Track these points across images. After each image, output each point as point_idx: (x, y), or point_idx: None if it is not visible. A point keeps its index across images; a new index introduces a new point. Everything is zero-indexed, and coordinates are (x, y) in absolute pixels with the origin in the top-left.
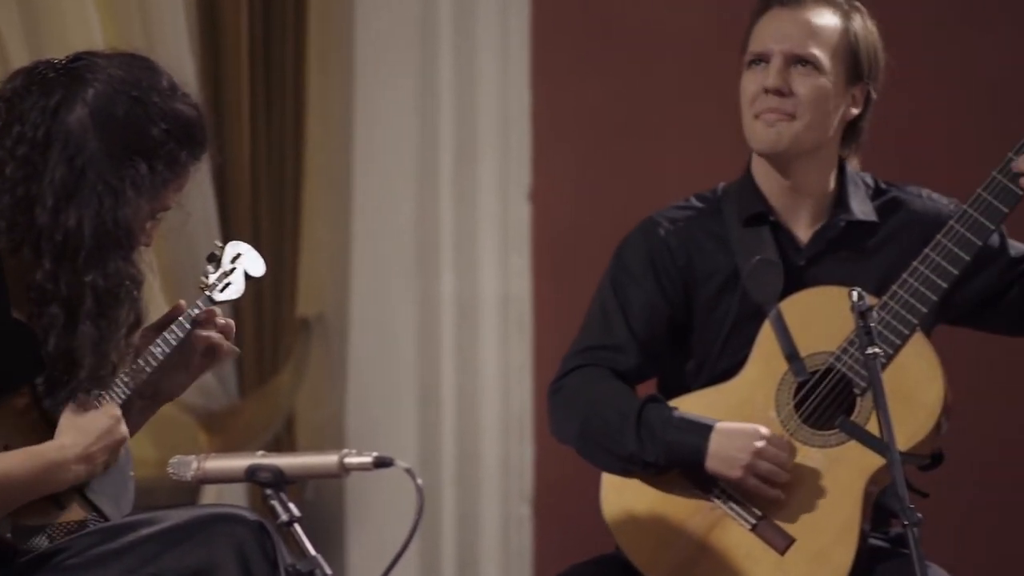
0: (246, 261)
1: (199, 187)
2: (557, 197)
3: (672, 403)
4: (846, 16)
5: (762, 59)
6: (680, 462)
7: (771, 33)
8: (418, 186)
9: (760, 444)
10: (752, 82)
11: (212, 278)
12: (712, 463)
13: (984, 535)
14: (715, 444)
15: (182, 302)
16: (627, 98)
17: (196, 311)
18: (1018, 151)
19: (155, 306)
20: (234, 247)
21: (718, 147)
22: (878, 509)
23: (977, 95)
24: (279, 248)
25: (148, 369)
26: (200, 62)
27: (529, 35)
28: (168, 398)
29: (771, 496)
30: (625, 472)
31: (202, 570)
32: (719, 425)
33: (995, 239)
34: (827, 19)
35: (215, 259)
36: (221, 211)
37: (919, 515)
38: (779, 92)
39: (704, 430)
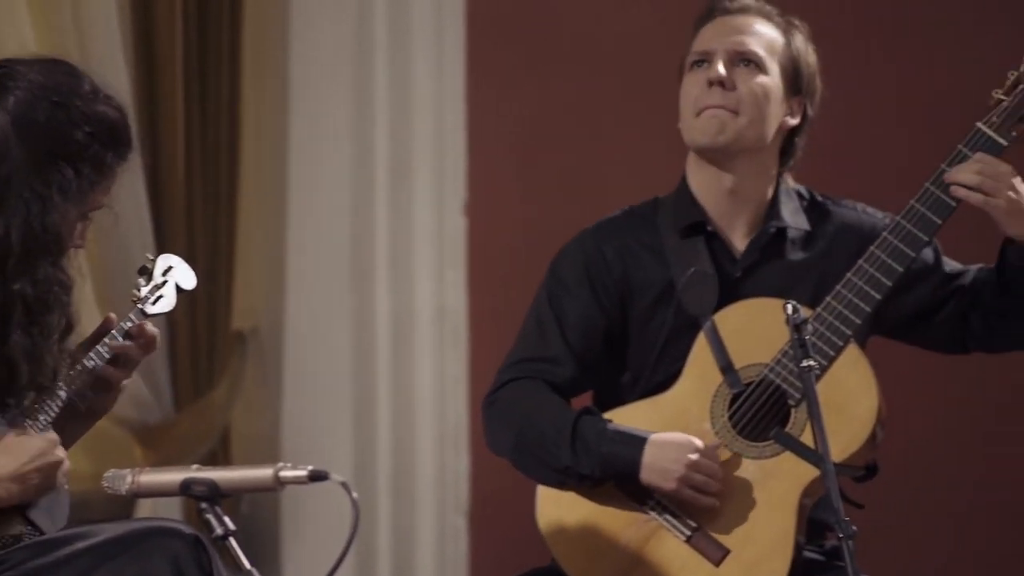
0: (177, 274)
1: (134, 201)
2: (492, 211)
3: (607, 415)
4: (788, 32)
5: (705, 59)
6: (615, 474)
7: (716, 34)
8: (353, 200)
9: (693, 456)
10: (695, 83)
11: (144, 291)
12: (647, 475)
13: (919, 546)
14: (649, 456)
15: (112, 316)
16: (561, 112)
17: (128, 324)
18: (951, 162)
19: (89, 318)
20: (165, 260)
21: (653, 160)
22: (813, 522)
23: (910, 110)
24: (214, 262)
25: (80, 380)
26: (135, 75)
27: (464, 50)
28: (102, 413)
29: (705, 506)
30: (560, 484)
31: None
32: (653, 437)
33: (930, 255)
34: (770, 28)
35: (146, 272)
36: (156, 225)
37: (854, 528)
38: (723, 84)
39: (638, 442)
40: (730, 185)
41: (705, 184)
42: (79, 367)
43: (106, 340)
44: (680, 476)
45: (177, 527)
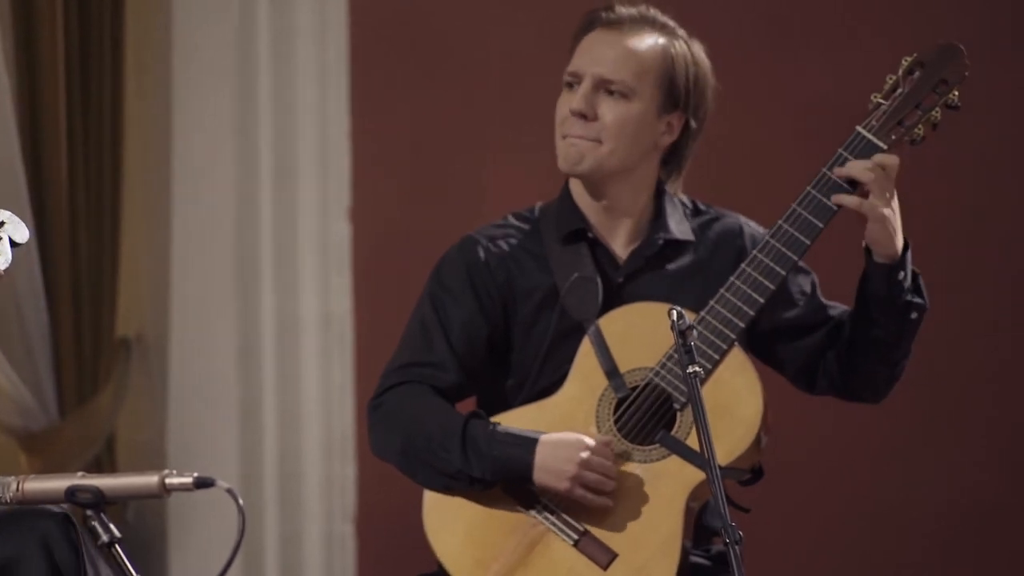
0: (10, 228)
1: (17, 207)
2: (377, 216)
3: (493, 420)
4: (669, 43)
5: (575, 80)
6: (507, 476)
7: (587, 55)
8: (238, 205)
9: (585, 455)
10: (564, 103)
11: None
12: (539, 475)
13: (805, 551)
14: (541, 456)
15: None
16: (445, 117)
17: None
18: (831, 166)
19: None
20: None
21: (537, 166)
22: (700, 527)
23: (791, 114)
24: (98, 268)
25: None
26: (16, 82)
27: (348, 55)
28: None
29: (598, 505)
30: (447, 488)
31: (9, 562)
32: (544, 437)
33: (808, 284)
34: (646, 45)
35: None
36: (39, 231)
37: (740, 533)
38: (583, 116)
39: (529, 443)
40: (605, 202)
41: (582, 196)
42: None
43: None
44: (573, 475)
45: (47, 508)
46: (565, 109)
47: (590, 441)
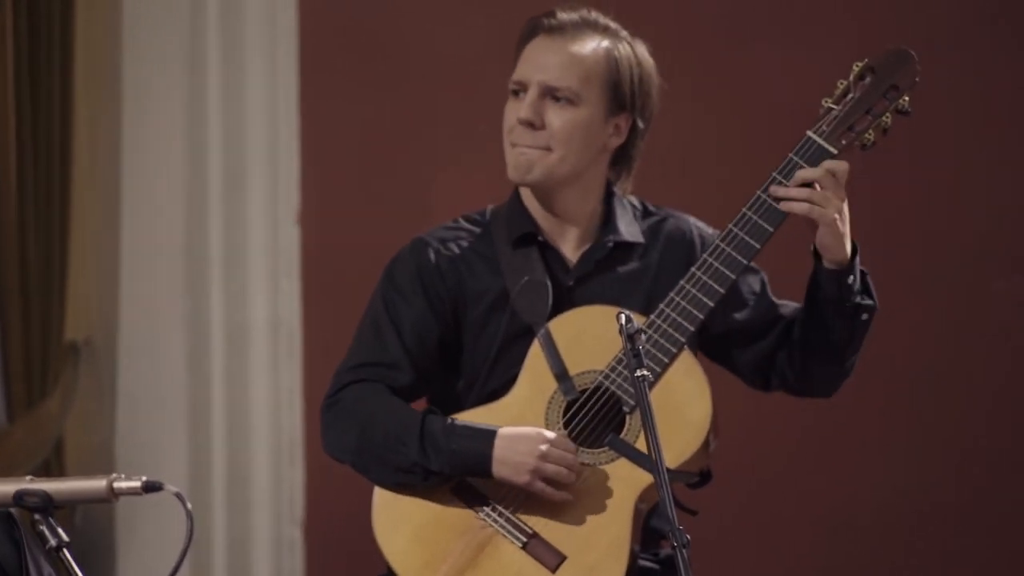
0: None
1: None
2: (326, 221)
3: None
4: (612, 46)
5: (521, 88)
6: (465, 470)
7: (531, 62)
8: (187, 210)
9: (544, 447)
10: (511, 112)
11: None
12: (498, 468)
13: (753, 553)
14: (500, 449)
15: None
16: (395, 123)
17: None
18: (781, 171)
19: None
20: None
21: (486, 170)
22: (648, 530)
23: (741, 119)
24: (47, 272)
25: None
26: None
27: (297, 59)
28: None
29: (557, 499)
30: (401, 485)
31: None
32: (502, 431)
33: (757, 283)
34: (589, 49)
35: None
36: None
37: (688, 536)
38: (531, 125)
39: (488, 436)
40: (554, 208)
41: (533, 200)
42: None
43: None
44: (532, 468)
45: None
46: (512, 118)
47: (549, 434)
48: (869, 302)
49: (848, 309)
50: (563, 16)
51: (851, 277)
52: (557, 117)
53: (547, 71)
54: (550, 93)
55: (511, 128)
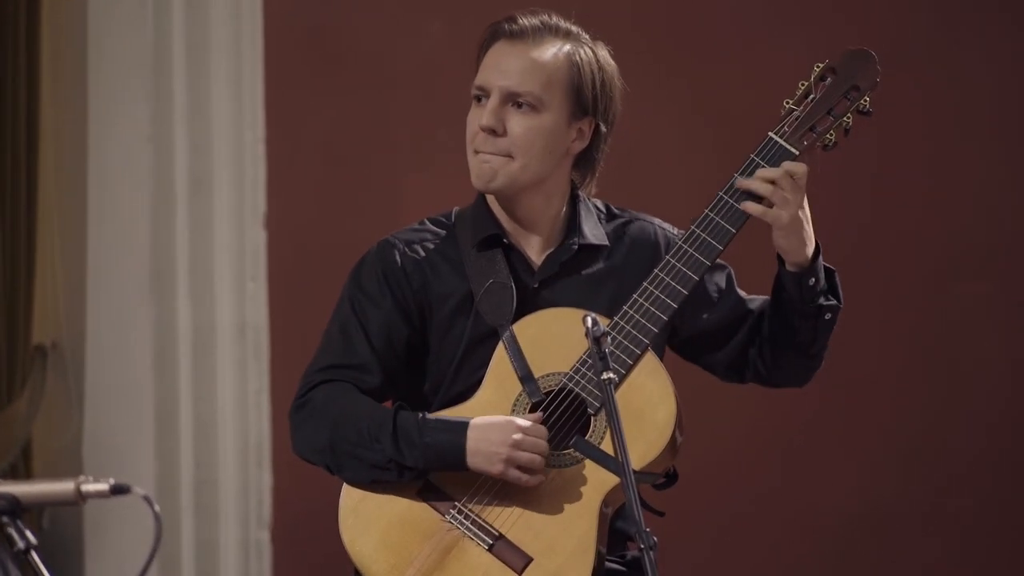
0: None
1: None
2: (293, 224)
3: None
4: (574, 50)
5: (482, 94)
6: (440, 463)
7: (492, 68)
8: (153, 213)
9: (517, 436)
10: (474, 118)
11: None
12: (472, 459)
13: (719, 554)
14: (473, 440)
15: None
16: (361, 125)
17: None
18: (743, 171)
19: None
20: None
21: (451, 172)
22: (614, 532)
23: (707, 118)
24: (13, 275)
25: None
26: None
27: (262, 64)
28: None
29: (533, 485)
30: (374, 482)
31: None
32: (474, 421)
33: (723, 280)
34: (551, 54)
35: None
36: None
37: (655, 538)
38: (492, 132)
39: (461, 427)
40: (518, 212)
41: (497, 204)
42: None
43: None
44: (506, 457)
45: None
46: (475, 124)
47: (521, 422)
48: (832, 302)
49: (810, 310)
50: (524, 21)
51: (812, 279)
52: (519, 124)
53: (508, 77)
54: (512, 99)
55: (473, 135)
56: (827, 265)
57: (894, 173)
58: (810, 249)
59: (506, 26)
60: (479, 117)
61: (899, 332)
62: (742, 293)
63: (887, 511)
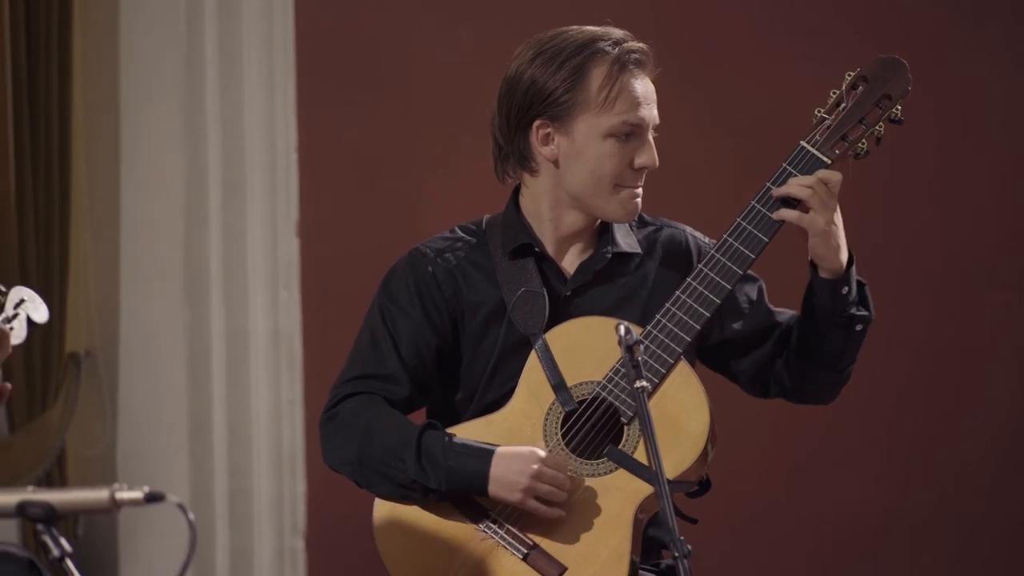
0: (30, 307)
1: None
2: (325, 231)
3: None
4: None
5: (634, 132)
6: (462, 487)
7: (644, 103)
8: (187, 221)
9: (536, 467)
10: (616, 156)
11: None
12: (494, 487)
13: (754, 561)
14: (496, 468)
15: None
16: (392, 133)
17: None
18: (775, 180)
19: None
20: (18, 292)
21: (481, 180)
22: (649, 540)
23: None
24: (47, 284)
25: None
26: None
27: (295, 71)
28: None
29: (551, 516)
30: (403, 499)
31: None
32: (500, 450)
33: (755, 292)
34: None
35: None
36: None
37: (689, 547)
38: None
39: (486, 455)
40: (565, 223)
41: (538, 219)
42: None
43: None
44: (525, 487)
45: (10, 550)
46: (617, 161)
47: (542, 453)
48: (864, 313)
49: (842, 319)
50: (636, 45)
51: (845, 288)
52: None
53: (653, 109)
54: (651, 130)
55: (619, 171)
56: (859, 278)
57: (910, 182)
58: (844, 256)
59: (634, 56)
60: (626, 155)
61: (918, 341)
62: (772, 307)
63: (925, 517)
